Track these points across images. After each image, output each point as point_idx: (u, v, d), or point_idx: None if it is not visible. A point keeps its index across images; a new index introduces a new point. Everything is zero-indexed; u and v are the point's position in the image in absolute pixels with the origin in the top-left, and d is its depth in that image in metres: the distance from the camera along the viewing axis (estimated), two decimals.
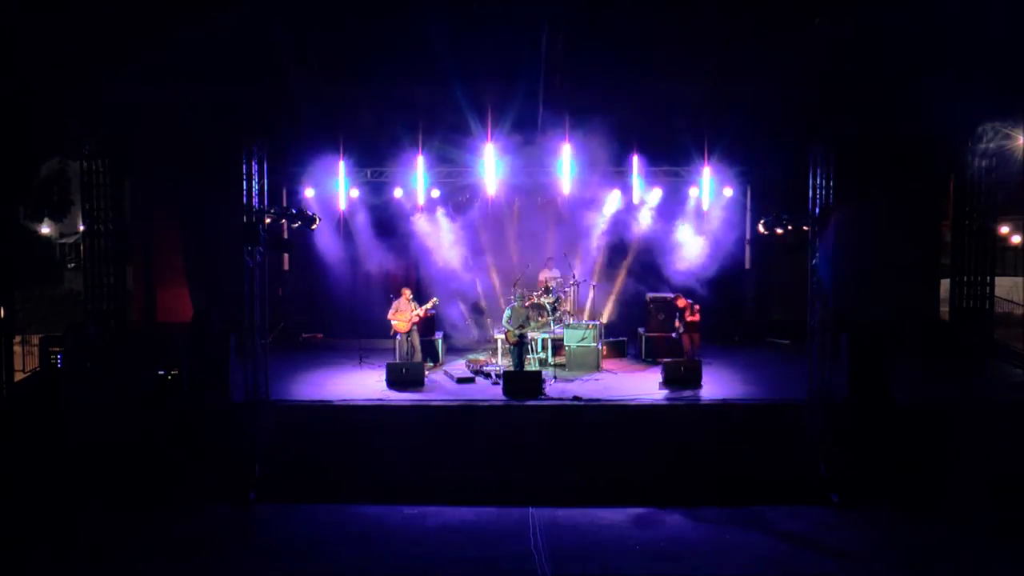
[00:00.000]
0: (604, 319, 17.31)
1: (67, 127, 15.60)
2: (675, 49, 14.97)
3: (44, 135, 15.30)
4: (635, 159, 16.56)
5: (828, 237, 11.88)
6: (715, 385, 13.94)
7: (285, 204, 16.16)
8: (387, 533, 10.67)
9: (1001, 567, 9.88)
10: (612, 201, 17.52)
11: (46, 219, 31.00)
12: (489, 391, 13.73)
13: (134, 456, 11.91)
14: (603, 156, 16.51)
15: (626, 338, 16.74)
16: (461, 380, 14.34)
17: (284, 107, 15.84)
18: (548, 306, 15.81)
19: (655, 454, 12.18)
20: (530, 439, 12.41)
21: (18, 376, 14.22)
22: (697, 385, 13.79)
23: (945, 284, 18.99)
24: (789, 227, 12.78)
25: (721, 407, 12.89)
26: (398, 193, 17.16)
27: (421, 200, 16.80)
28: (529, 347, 14.80)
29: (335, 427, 12.56)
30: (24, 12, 12.62)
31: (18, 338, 15.11)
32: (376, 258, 17.54)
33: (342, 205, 16.92)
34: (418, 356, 14.98)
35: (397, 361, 14.70)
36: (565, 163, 16.14)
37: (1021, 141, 15.69)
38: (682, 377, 13.88)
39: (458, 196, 17.65)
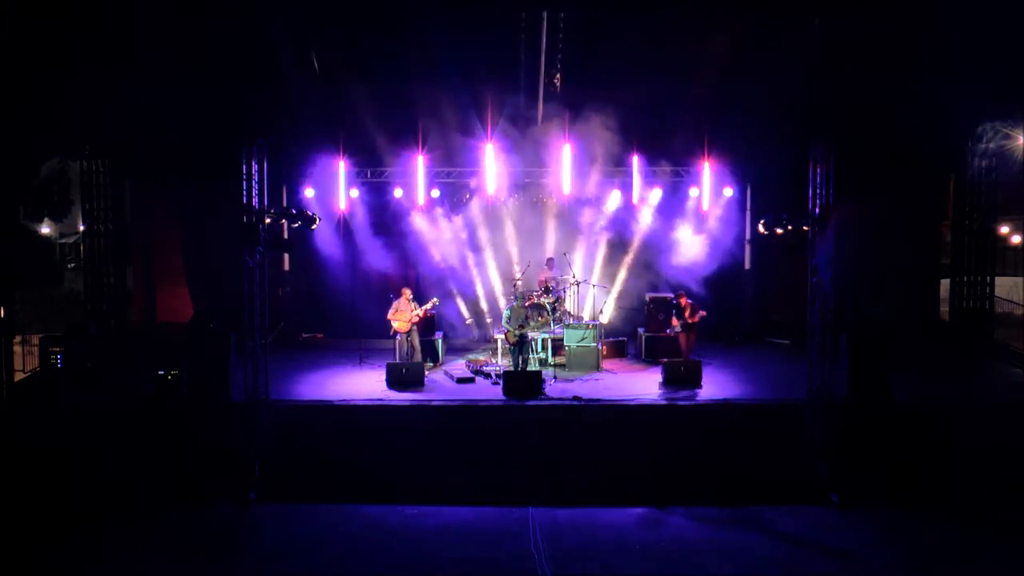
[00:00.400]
0: (604, 319, 17.31)
1: (67, 127, 15.59)
2: (675, 48, 14.98)
3: (44, 135, 15.31)
4: (635, 158, 16.59)
5: (828, 237, 11.86)
6: (715, 385, 13.94)
7: (285, 204, 16.19)
8: (387, 533, 10.67)
9: (1001, 567, 9.88)
10: (612, 200, 17.54)
11: (46, 219, 31.00)
12: (489, 391, 13.73)
13: (134, 456, 11.91)
14: (603, 156, 16.53)
15: (626, 338, 16.75)
16: (461, 380, 14.34)
17: (284, 107, 15.86)
18: (548, 306, 15.81)
19: (655, 454, 12.18)
20: (530, 439, 12.42)
21: (18, 376, 14.21)
22: (697, 385, 13.79)
23: (945, 284, 18.99)
24: (789, 227, 12.77)
25: (721, 407, 12.89)
26: (398, 193, 17.17)
27: (421, 200, 16.83)
28: (530, 347, 14.79)
29: (335, 427, 12.56)
30: (24, 12, 12.61)
31: (18, 338, 15.09)
32: (376, 258, 17.54)
33: (342, 205, 16.94)
34: (418, 356, 14.98)
35: (397, 361, 14.69)
36: (565, 163, 16.15)
37: (1021, 141, 15.69)
38: (682, 377, 13.88)
39: (458, 196, 17.67)
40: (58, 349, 14.28)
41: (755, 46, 15.05)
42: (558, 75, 15.31)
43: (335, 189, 16.74)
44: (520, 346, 14.36)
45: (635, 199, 16.97)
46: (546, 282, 16.54)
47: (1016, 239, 30.67)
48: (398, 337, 14.97)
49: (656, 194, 17.27)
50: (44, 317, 19.83)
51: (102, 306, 17.76)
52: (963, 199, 17.79)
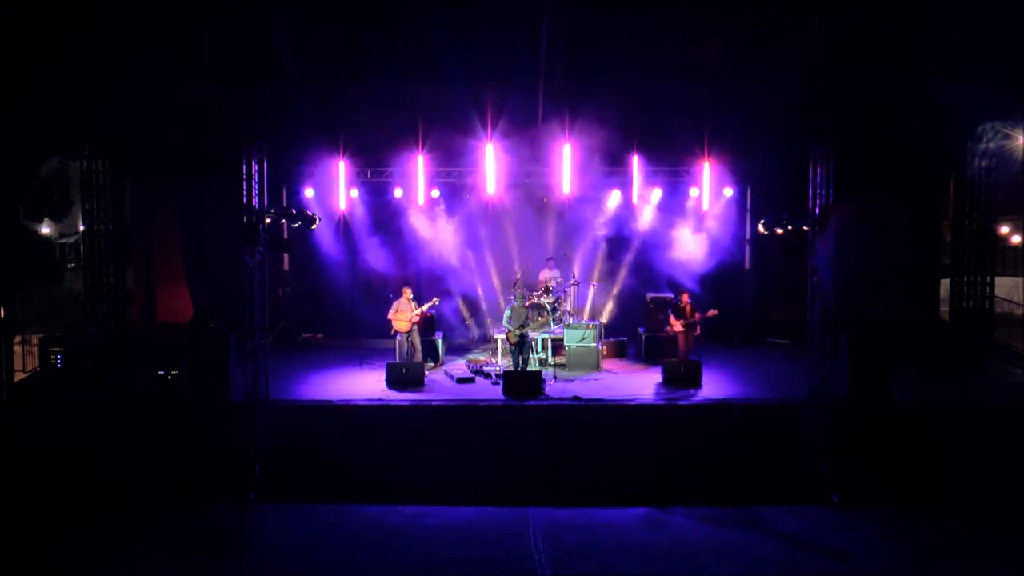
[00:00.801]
0: (604, 319, 17.31)
1: (67, 127, 15.59)
2: (675, 48, 14.98)
3: (44, 135, 15.30)
4: (635, 159, 16.58)
5: (828, 237, 11.87)
6: (715, 385, 13.94)
7: (285, 204, 16.18)
8: (387, 533, 10.67)
9: (1001, 567, 9.88)
10: (612, 200, 17.54)
11: (46, 219, 30.99)
12: (489, 391, 13.72)
13: (134, 456, 11.91)
14: (603, 155, 16.53)
15: (626, 338, 16.74)
16: (461, 380, 14.34)
17: (284, 107, 15.85)
18: (548, 306, 15.80)
19: (655, 454, 12.18)
20: (530, 439, 12.41)
21: (18, 376, 14.21)
22: (697, 385, 13.78)
23: (945, 284, 18.98)
24: (789, 227, 12.77)
25: (721, 407, 12.88)
26: (398, 193, 17.17)
27: (421, 200, 16.82)
28: (530, 347, 14.79)
29: (335, 427, 12.56)
30: (24, 12, 12.61)
31: (18, 338, 15.09)
32: (376, 258, 17.54)
33: (342, 205, 16.94)
34: (418, 356, 14.98)
35: (397, 361, 14.69)
36: (565, 162, 16.15)
37: (1021, 141, 15.68)
38: (682, 377, 13.88)
39: (458, 196, 17.66)
40: (58, 349, 14.26)
41: (755, 46, 15.04)
42: (558, 75, 15.30)
43: (335, 189, 16.73)
44: (520, 346, 14.36)
45: (635, 199, 16.96)
46: (546, 282, 16.54)
47: (1016, 239, 30.68)
48: (398, 337, 14.97)
49: (656, 194, 17.26)
50: (44, 317, 19.84)
51: (102, 306, 17.76)
52: (963, 199, 17.77)
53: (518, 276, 16.85)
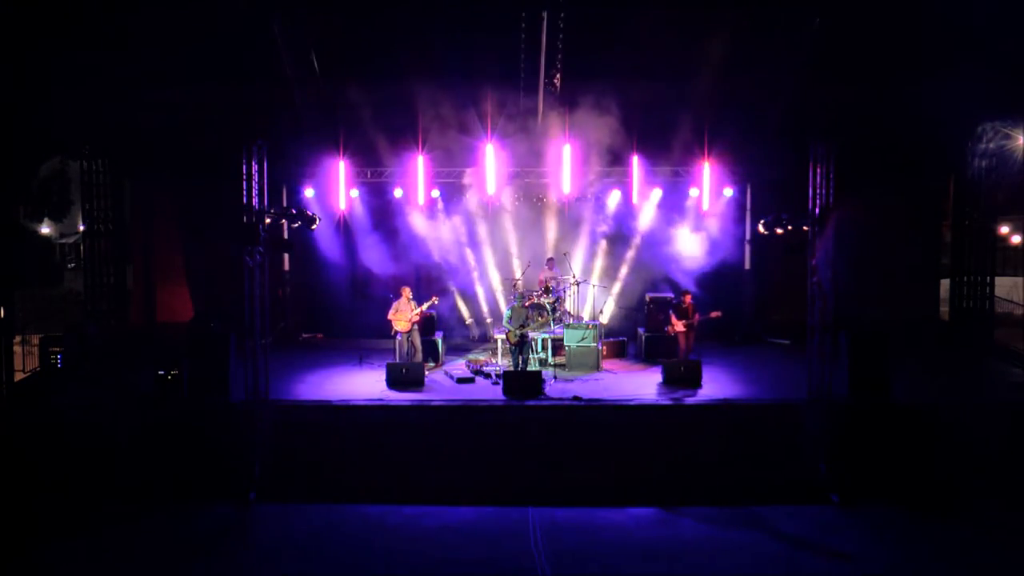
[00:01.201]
0: (604, 319, 17.31)
1: (67, 127, 15.60)
2: (675, 48, 14.97)
3: (44, 135, 15.31)
4: (635, 159, 16.57)
5: (828, 237, 11.87)
6: (715, 385, 13.93)
7: (285, 204, 16.19)
8: (387, 533, 10.66)
9: (1001, 566, 9.87)
10: (612, 200, 17.54)
11: (46, 219, 31.05)
12: (489, 391, 13.72)
13: (134, 456, 11.91)
14: (603, 155, 16.53)
15: (626, 338, 16.74)
16: (461, 380, 14.34)
17: (284, 107, 15.86)
18: (548, 306, 15.80)
19: (655, 454, 12.18)
20: (530, 439, 12.41)
21: (18, 376, 14.21)
22: (697, 385, 13.78)
23: (945, 284, 18.99)
24: (789, 227, 12.77)
25: (721, 407, 12.87)
26: (398, 193, 17.17)
27: (421, 200, 16.82)
28: (530, 347, 14.79)
29: (335, 427, 12.54)
30: (23, 11, 12.61)
31: (18, 338, 15.09)
32: (376, 258, 17.54)
33: (342, 205, 16.94)
34: (418, 356, 14.98)
35: (397, 361, 14.69)
36: (565, 162, 16.15)
37: (1021, 141, 15.69)
38: (682, 377, 13.88)
39: (458, 196, 17.66)
40: (58, 349, 14.29)
41: (755, 46, 15.05)
42: (558, 74, 15.30)
43: (335, 189, 16.73)
44: (520, 346, 14.35)
45: (635, 199, 16.95)
46: (546, 282, 16.54)
47: (1016, 239, 30.72)
48: (398, 337, 14.97)
49: (656, 194, 17.26)
50: (44, 317, 19.85)
51: (102, 306, 17.77)
52: (963, 199, 17.79)
53: (518, 276, 16.85)
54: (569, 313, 16.39)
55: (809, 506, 11.37)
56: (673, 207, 17.51)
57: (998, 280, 17.69)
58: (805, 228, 12.32)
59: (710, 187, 16.75)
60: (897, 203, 17.96)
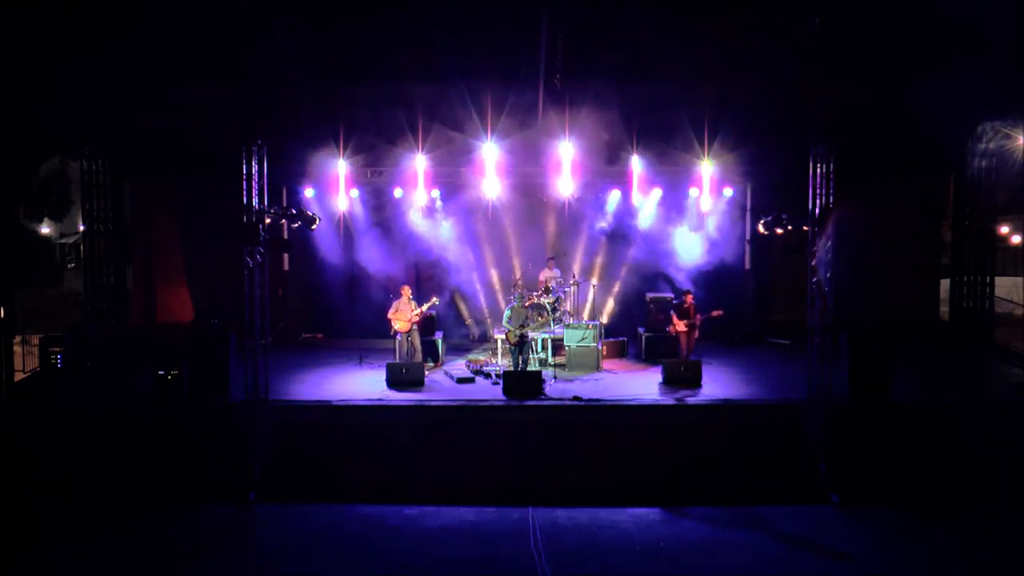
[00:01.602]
0: (604, 319, 17.31)
1: (67, 127, 15.59)
2: (675, 48, 14.96)
3: (44, 135, 15.30)
4: (635, 158, 16.57)
5: (828, 237, 11.87)
6: (715, 385, 13.93)
7: (285, 204, 16.16)
8: (387, 533, 10.67)
9: (1001, 566, 9.87)
10: (612, 200, 17.54)
11: (46, 219, 31.04)
12: (489, 391, 13.72)
13: (134, 456, 11.91)
14: (603, 155, 16.52)
15: (626, 338, 16.74)
16: (461, 380, 14.34)
17: (284, 107, 15.84)
18: (548, 306, 15.80)
19: (655, 454, 12.17)
20: (530, 439, 12.40)
21: (18, 376, 14.21)
22: (697, 385, 13.78)
23: (945, 284, 18.99)
24: (789, 227, 12.77)
25: (721, 407, 12.87)
26: (398, 193, 17.17)
27: (421, 200, 16.82)
28: (530, 347, 14.79)
29: (335, 427, 12.54)
30: (23, 11, 12.61)
31: (18, 338, 15.10)
32: (376, 258, 17.53)
33: (342, 205, 16.94)
34: (418, 356, 14.98)
35: (397, 361, 14.69)
36: (565, 162, 16.15)
37: (1021, 141, 15.68)
38: (682, 377, 13.88)
39: (458, 196, 17.64)
40: (58, 349, 14.29)
41: (755, 46, 15.04)
42: (558, 74, 15.29)
43: (335, 189, 16.73)
44: (520, 346, 14.35)
45: (635, 199, 16.96)
46: (546, 282, 16.54)
47: (1016, 239, 30.71)
48: (398, 337, 14.97)
49: (656, 194, 17.26)
50: (44, 317, 19.85)
51: (102, 306, 17.76)
52: (963, 199, 17.79)
53: (518, 276, 16.84)
54: (569, 313, 16.39)
55: (809, 506, 11.38)
56: (673, 207, 17.50)
57: (998, 280, 17.69)
58: (805, 228, 12.32)
59: (710, 187, 16.75)
60: (897, 203, 17.95)
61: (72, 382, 13.99)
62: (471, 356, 16.19)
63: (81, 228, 20.63)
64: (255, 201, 12.03)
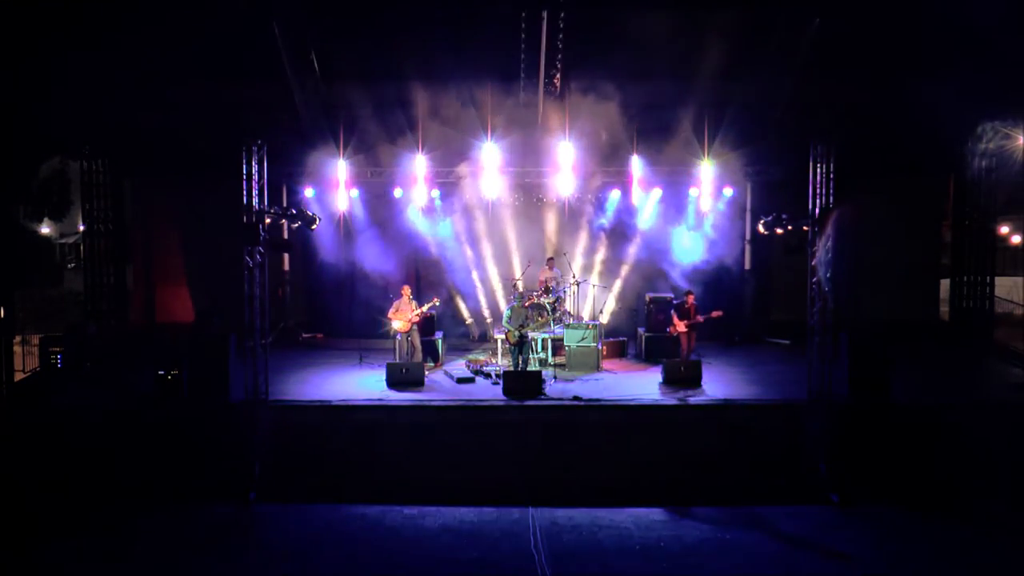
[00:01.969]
0: (604, 319, 17.31)
1: (67, 127, 15.59)
2: (675, 48, 14.97)
3: (44, 135, 15.30)
4: (635, 159, 16.57)
5: (828, 237, 11.87)
6: (715, 385, 13.93)
7: (285, 204, 16.17)
8: (387, 533, 10.67)
9: (1001, 566, 9.88)
10: (612, 200, 17.54)
11: (46, 219, 31.01)
12: (489, 391, 13.72)
13: (134, 456, 11.91)
14: (603, 155, 16.52)
15: (626, 338, 16.74)
16: (461, 380, 14.34)
17: (284, 107, 15.85)
18: (548, 306, 15.80)
19: (655, 454, 12.18)
20: (530, 439, 12.41)
21: (18, 376, 14.22)
22: (697, 385, 13.78)
23: (945, 284, 18.99)
24: (789, 227, 12.77)
25: (721, 407, 12.87)
26: (398, 193, 17.17)
27: (421, 200, 16.82)
28: (530, 347, 14.79)
29: (335, 427, 12.54)
30: (23, 11, 12.61)
31: (18, 338, 15.10)
32: (376, 258, 17.52)
33: (342, 205, 16.94)
34: (418, 356, 14.98)
35: (397, 361, 14.69)
36: (565, 162, 16.15)
37: (1021, 141, 15.68)
38: (682, 377, 13.87)
39: (458, 196, 17.64)
40: (58, 349, 14.29)
41: (755, 45, 15.05)
42: (558, 74, 15.30)
43: (335, 189, 16.73)
44: (520, 346, 14.35)
45: (635, 199, 16.96)
46: (546, 282, 16.54)
47: (1016, 239, 30.71)
48: (398, 337, 14.97)
49: (656, 194, 17.25)
50: (44, 317, 19.86)
51: (102, 306, 17.76)
52: (963, 199, 17.79)
53: (518, 276, 16.84)
54: (569, 313, 16.38)
55: (809, 506, 11.38)
56: (673, 206, 17.50)
57: (998, 280, 17.70)
58: (805, 228, 12.32)
59: (710, 187, 16.75)
60: (897, 203, 17.95)
61: (72, 382, 14.00)
62: (471, 356, 16.19)
63: (81, 228, 20.62)
64: (255, 201, 12.03)
